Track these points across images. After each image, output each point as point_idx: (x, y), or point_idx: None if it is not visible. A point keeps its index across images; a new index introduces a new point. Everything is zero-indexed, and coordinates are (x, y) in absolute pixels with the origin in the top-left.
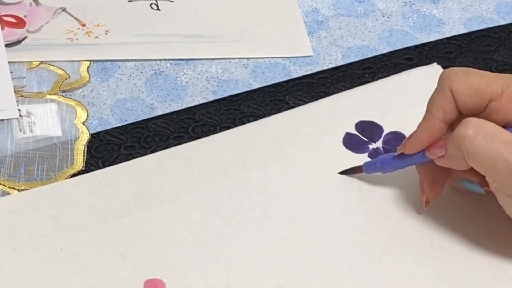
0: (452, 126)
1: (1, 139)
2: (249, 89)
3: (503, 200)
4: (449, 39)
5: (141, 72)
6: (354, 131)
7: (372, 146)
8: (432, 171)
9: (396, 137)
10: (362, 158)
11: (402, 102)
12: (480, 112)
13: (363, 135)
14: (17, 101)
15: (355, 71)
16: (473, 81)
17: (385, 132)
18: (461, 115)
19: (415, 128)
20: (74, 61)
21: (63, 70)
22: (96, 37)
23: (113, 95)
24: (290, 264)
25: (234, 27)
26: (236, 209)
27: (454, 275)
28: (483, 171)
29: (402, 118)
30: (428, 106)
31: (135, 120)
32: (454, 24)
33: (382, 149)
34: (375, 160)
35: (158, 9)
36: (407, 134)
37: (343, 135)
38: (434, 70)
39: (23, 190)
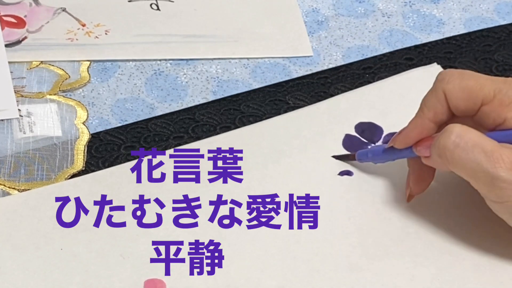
0: (443, 126)
1: (1, 139)
2: (249, 89)
3: (492, 206)
4: (449, 39)
5: (141, 72)
6: (353, 133)
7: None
8: (420, 166)
9: None
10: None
11: (402, 103)
12: (473, 115)
13: (362, 136)
14: (17, 101)
15: (355, 71)
16: (467, 84)
17: (384, 133)
18: (453, 116)
19: None
20: (74, 61)
21: (63, 70)
22: (96, 37)
23: (113, 95)
24: (290, 264)
25: (234, 27)
26: (236, 209)
27: (454, 275)
28: (466, 179)
29: (402, 119)
30: (421, 104)
31: (135, 120)
32: (454, 24)
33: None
34: (367, 150)
35: (158, 9)
36: None
37: (342, 137)
38: (434, 70)
39: (23, 190)
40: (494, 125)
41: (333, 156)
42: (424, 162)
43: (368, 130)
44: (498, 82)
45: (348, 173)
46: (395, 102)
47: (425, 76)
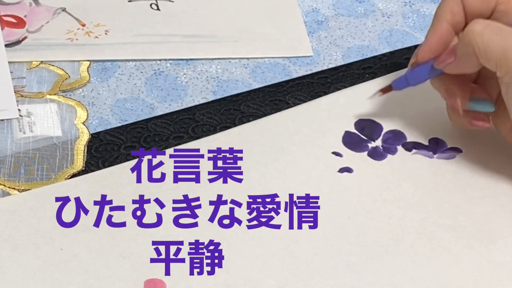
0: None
1: (1, 139)
2: (249, 89)
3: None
4: None
5: (141, 72)
6: (353, 130)
7: (372, 144)
8: (453, 78)
9: (395, 136)
10: (362, 157)
11: (401, 100)
12: (488, 17)
13: (362, 133)
14: (17, 101)
15: (355, 71)
16: None
17: (384, 131)
18: (467, 23)
19: (414, 127)
20: (74, 61)
21: (63, 70)
22: (96, 37)
23: (113, 95)
24: (290, 264)
25: (234, 27)
26: (235, 209)
27: (453, 275)
28: (494, 65)
29: (401, 117)
30: (436, 11)
31: (135, 120)
32: None
33: (381, 147)
34: (406, 76)
35: (158, 9)
36: (406, 133)
37: (342, 133)
38: None
39: (23, 190)
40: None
41: (369, 98)
42: (447, 70)
43: (368, 127)
44: None
45: (348, 170)
46: (394, 100)
47: None
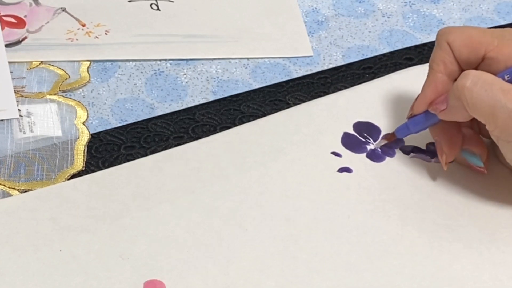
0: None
1: (1, 139)
2: (249, 89)
3: (504, 147)
4: None
5: (141, 72)
6: (352, 131)
7: (370, 146)
8: (448, 132)
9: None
10: (360, 158)
11: (399, 102)
12: (478, 64)
13: (360, 135)
14: (17, 101)
15: (355, 71)
16: (469, 33)
17: (382, 133)
18: (462, 70)
19: None
20: (74, 61)
21: (63, 70)
22: (96, 37)
23: (113, 95)
24: (289, 264)
25: (234, 27)
26: (235, 209)
27: (453, 274)
28: (483, 120)
29: (400, 120)
30: (429, 64)
31: (135, 120)
32: (454, 24)
33: (379, 150)
34: (407, 124)
35: (158, 9)
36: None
37: (341, 134)
38: None
39: (23, 190)
40: (502, 70)
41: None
42: (441, 117)
43: (366, 130)
44: (498, 31)
45: (347, 170)
46: (392, 102)
47: (423, 74)
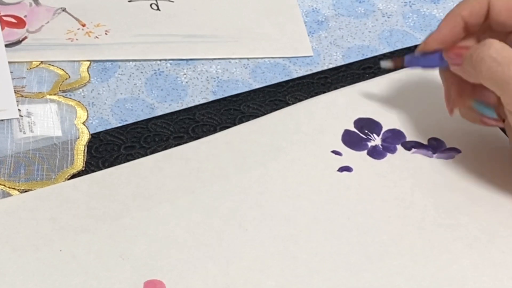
0: (470, 39)
1: (1, 139)
2: (249, 89)
3: None
4: None
5: (141, 72)
6: (352, 128)
7: (371, 143)
8: (458, 77)
9: (394, 135)
10: (361, 155)
11: (400, 99)
12: (510, 32)
13: (361, 132)
14: (17, 101)
15: (355, 71)
16: None
17: (383, 130)
18: (487, 29)
19: (413, 126)
20: (74, 61)
21: (63, 70)
22: (96, 37)
23: (113, 95)
24: (289, 264)
25: (234, 27)
26: (235, 209)
27: (453, 274)
28: (498, 93)
29: (401, 115)
30: (458, 4)
31: (135, 120)
32: None
33: (381, 146)
34: (418, 57)
35: (158, 9)
36: (405, 132)
37: (341, 132)
38: None
39: (23, 190)
40: None
41: (380, 60)
42: (452, 69)
43: (367, 126)
44: None
45: (347, 169)
46: (393, 99)
47: (423, 73)
